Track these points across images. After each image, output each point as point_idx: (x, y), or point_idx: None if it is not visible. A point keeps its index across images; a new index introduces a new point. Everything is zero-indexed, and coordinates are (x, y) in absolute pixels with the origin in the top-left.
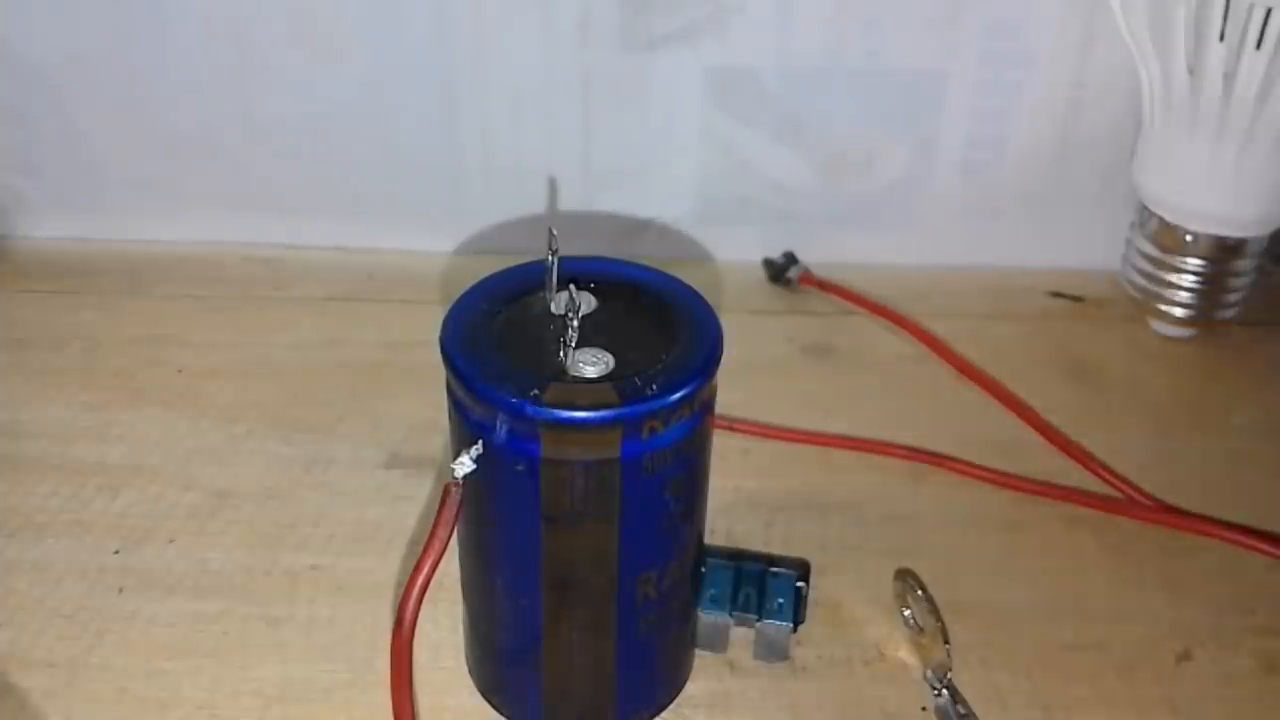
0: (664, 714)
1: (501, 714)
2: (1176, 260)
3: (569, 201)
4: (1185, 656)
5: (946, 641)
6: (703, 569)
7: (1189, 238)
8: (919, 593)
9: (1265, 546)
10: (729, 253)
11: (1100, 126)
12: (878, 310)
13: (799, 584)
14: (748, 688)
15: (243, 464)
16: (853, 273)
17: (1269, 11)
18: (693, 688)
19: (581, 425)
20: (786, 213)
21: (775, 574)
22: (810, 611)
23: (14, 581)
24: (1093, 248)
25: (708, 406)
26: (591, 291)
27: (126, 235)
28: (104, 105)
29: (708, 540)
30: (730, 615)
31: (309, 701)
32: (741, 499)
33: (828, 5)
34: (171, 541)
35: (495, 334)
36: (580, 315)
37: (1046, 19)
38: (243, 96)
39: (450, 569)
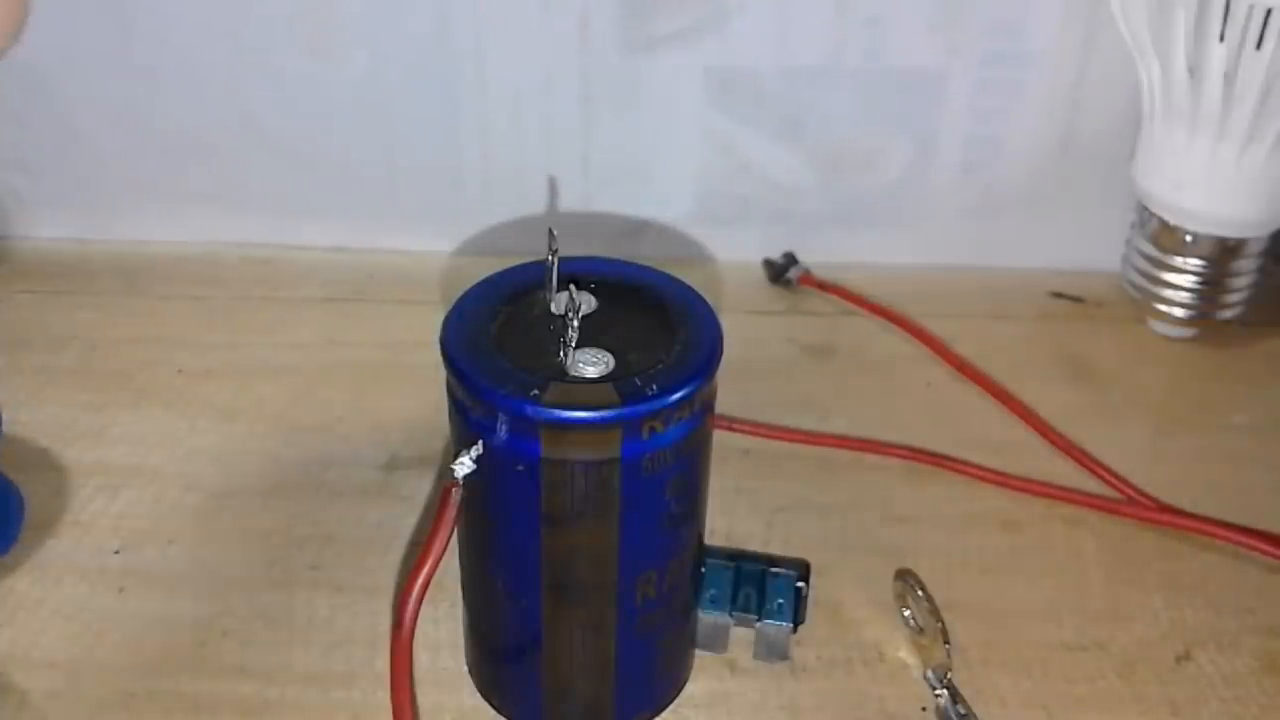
0: (664, 714)
1: (501, 714)
2: (1176, 260)
3: (568, 202)
4: (1185, 656)
5: (946, 641)
6: (703, 569)
7: (1189, 238)
8: (919, 593)
9: (1265, 546)
10: (729, 253)
11: (1100, 126)
12: (878, 310)
13: (799, 584)
14: (748, 688)
15: (243, 464)
16: (853, 273)
17: (1269, 12)
18: (693, 688)
19: (581, 425)
20: (786, 213)
21: (775, 574)
22: (810, 611)
23: (14, 581)
24: (1093, 248)
25: (708, 407)
26: (591, 291)
27: (125, 235)
28: (104, 105)
29: (708, 540)
30: (730, 615)
31: (309, 702)
32: (741, 499)
33: (828, 5)
34: (171, 542)
35: (495, 334)
36: (580, 315)
37: (1046, 19)
38: (241, 96)
39: (450, 569)
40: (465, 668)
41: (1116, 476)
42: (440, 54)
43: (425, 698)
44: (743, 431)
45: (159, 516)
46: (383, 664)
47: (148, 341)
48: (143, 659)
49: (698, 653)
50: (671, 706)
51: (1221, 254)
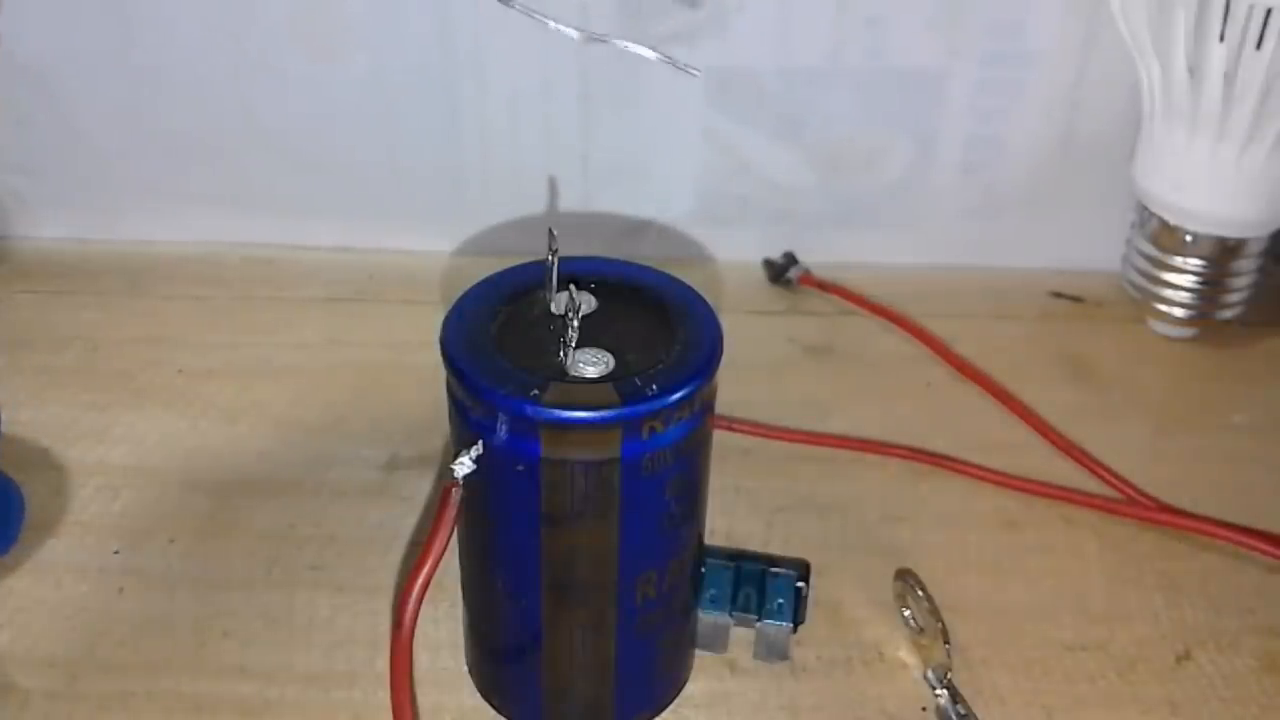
0: (664, 714)
1: (501, 714)
2: (1176, 260)
3: (568, 201)
4: (1185, 656)
5: (946, 641)
6: (703, 569)
7: (1189, 238)
8: (919, 593)
9: (1265, 546)
10: (729, 253)
11: (1100, 126)
12: (878, 310)
13: (799, 584)
14: (748, 688)
15: (243, 464)
16: (853, 273)
17: (1269, 12)
18: (693, 688)
19: (581, 425)
20: (786, 213)
21: (775, 574)
22: (810, 611)
23: (14, 581)
24: (1093, 248)
25: (708, 407)
26: (591, 291)
27: (126, 235)
28: (104, 105)
29: (708, 540)
30: (730, 615)
31: (309, 702)
32: (741, 499)
33: (828, 5)
34: (171, 541)
35: (495, 334)
36: (580, 315)
37: (1046, 19)
38: (243, 97)
39: (450, 569)
40: (465, 668)
41: (1116, 476)
42: (441, 55)
43: (425, 698)
44: (743, 431)
45: (159, 516)
46: (383, 664)
47: (149, 341)
48: (143, 659)
49: (698, 653)
50: (671, 706)
51: (1221, 254)
